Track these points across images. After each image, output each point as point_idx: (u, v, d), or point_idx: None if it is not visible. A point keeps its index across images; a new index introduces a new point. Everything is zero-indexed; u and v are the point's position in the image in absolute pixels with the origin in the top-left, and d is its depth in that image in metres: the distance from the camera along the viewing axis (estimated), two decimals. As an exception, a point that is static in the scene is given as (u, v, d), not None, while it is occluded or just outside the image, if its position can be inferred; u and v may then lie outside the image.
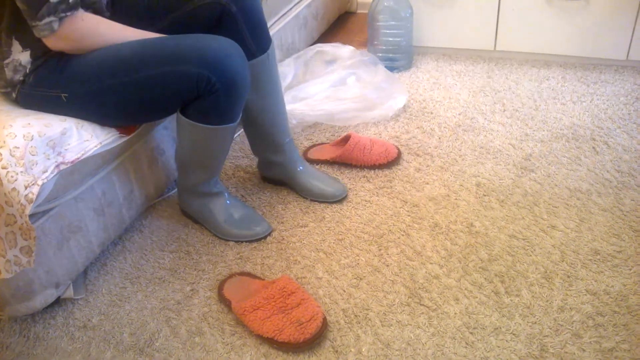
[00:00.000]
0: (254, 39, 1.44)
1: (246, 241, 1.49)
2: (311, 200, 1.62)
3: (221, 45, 1.26)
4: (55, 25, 1.16)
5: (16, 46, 1.24)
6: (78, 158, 1.24)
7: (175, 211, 1.62)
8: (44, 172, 1.17)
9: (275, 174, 1.67)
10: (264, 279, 1.37)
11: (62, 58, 1.25)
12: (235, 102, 1.31)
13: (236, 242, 1.49)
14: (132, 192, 1.48)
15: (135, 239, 1.54)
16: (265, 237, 1.50)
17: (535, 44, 2.24)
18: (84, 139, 1.26)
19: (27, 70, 1.25)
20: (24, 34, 1.22)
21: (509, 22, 2.23)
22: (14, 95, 1.28)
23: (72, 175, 1.26)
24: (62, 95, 1.25)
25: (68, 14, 1.16)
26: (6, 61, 1.25)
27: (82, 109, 1.28)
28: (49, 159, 1.19)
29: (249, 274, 1.38)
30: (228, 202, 1.53)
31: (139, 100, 1.28)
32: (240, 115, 1.40)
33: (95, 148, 1.28)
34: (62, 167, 1.21)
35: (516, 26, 2.23)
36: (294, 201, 1.63)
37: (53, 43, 1.20)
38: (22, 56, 1.24)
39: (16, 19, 1.21)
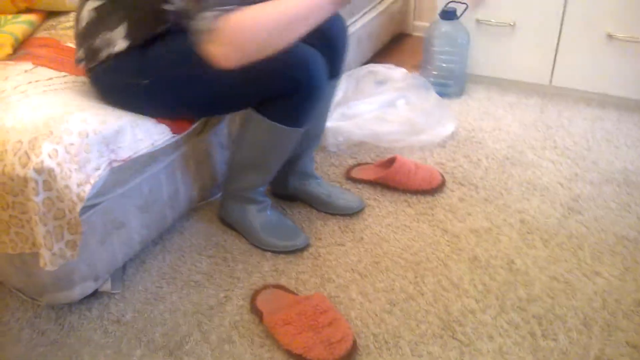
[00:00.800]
0: (331, 64, 1.45)
1: (283, 252, 1.49)
2: (325, 212, 1.65)
3: (307, 50, 1.28)
4: (212, 24, 0.98)
5: (120, 30, 1.23)
6: (130, 156, 1.27)
7: (216, 217, 1.64)
8: (97, 169, 1.20)
9: (290, 190, 1.68)
10: (297, 294, 1.37)
11: (149, 46, 1.24)
12: (311, 106, 1.33)
13: (273, 252, 1.50)
14: (177, 192, 1.51)
15: (175, 240, 1.56)
16: (302, 250, 1.50)
17: (592, 82, 2.20)
18: (137, 138, 1.29)
19: (113, 54, 1.25)
20: (136, 27, 1.23)
21: (567, 58, 2.19)
22: (87, 65, 1.28)
23: (121, 172, 1.29)
24: (142, 82, 1.26)
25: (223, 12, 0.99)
26: (104, 32, 1.24)
27: (159, 97, 1.29)
28: (102, 156, 1.21)
29: (283, 287, 1.38)
30: (269, 212, 1.54)
31: (222, 90, 1.29)
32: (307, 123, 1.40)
33: (148, 148, 1.31)
34: (115, 164, 1.24)
35: (574, 62, 2.19)
36: (333, 218, 1.63)
37: (212, 50, 1.01)
38: (119, 41, 1.23)
39: (137, 9, 1.21)
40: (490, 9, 2.24)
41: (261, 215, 1.52)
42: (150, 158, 1.36)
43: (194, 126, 1.45)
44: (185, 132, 1.42)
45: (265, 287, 1.38)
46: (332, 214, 1.64)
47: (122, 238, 1.37)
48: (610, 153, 1.90)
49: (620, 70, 2.12)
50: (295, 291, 1.39)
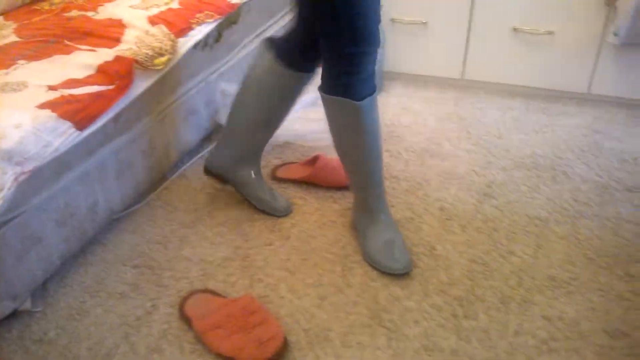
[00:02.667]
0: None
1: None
2: (255, 208, 1.67)
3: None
4: None
5: None
6: (37, 166, 1.21)
7: (140, 226, 1.61)
8: (0, 190, 1.12)
9: (229, 173, 1.66)
10: (226, 297, 1.37)
11: None
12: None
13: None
14: (96, 204, 1.47)
15: (98, 252, 1.52)
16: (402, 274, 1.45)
17: (502, 74, 2.31)
18: (42, 144, 1.21)
19: None
20: None
21: (477, 52, 2.30)
22: None
23: (31, 183, 1.23)
24: None
25: None
26: None
27: None
28: (5, 173, 1.14)
29: (211, 292, 1.38)
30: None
31: None
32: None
33: (54, 153, 1.24)
34: (22, 177, 1.17)
35: (483, 56, 2.30)
36: (261, 219, 1.63)
37: None
38: None
39: None
40: (403, 8, 2.32)
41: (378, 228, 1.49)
42: (62, 165, 1.31)
43: (99, 123, 1.36)
44: (90, 127, 1.33)
45: (193, 292, 1.37)
46: (261, 211, 1.65)
47: (40, 254, 1.32)
48: (519, 140, 2.00)
49: (527, 62, 2.25)
50: (224, 294, 1.39)
